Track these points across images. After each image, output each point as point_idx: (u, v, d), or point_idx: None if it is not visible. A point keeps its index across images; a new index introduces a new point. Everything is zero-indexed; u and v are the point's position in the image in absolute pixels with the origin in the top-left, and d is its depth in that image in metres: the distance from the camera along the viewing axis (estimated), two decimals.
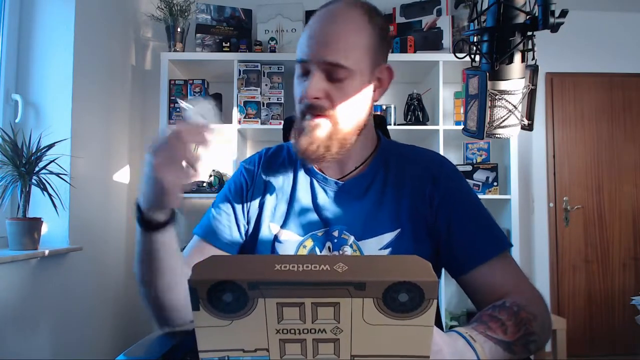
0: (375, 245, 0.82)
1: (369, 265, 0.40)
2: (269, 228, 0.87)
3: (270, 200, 0.89)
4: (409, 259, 0.41)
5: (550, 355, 2.62)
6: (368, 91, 0.82)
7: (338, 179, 0.87)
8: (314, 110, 0.78)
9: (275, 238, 0.85)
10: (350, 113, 0.80)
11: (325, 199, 0.87)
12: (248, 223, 0.89)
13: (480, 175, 2.61)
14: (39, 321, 1.77)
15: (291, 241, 0.84)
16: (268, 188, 0.90)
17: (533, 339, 0.68)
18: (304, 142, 0.79)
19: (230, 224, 0.89)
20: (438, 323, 0.97)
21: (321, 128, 0.79)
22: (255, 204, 0.89)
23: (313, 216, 0.86)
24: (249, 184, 0.92)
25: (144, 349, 0.76)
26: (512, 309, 0.69)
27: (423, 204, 0.84)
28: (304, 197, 0.88)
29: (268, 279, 0.39)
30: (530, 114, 1.14)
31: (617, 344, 2.99)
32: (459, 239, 0.81)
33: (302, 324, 0.41)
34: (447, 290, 2.58)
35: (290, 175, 0.91)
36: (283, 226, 0.86)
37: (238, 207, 0.90)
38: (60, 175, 1.75)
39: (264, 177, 0.92)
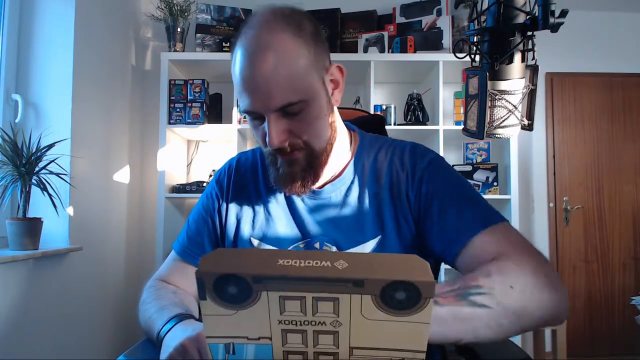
0: None
1: (369, 263, 0.42)
2: (250, 243, 0.84)
3: (247, 213, 0.86)
4: (408, 259, 0.42)
5: (550, 355, 2.62)
6: (327, 103, 0.77)
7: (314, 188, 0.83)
8: (285, 151, 0.75)
9: None
10: (319, 133, 0.76)
11: (303, 209, 0.83)
12: (224, 237, 0.88)
13: (480, 175, 2.61)
14: (39, 321, 1.77)
15: None
16: (242, 200, 0.87)
17: (475, 291, 0.61)
18: (286, 182, 0.77)
19: (203, 241, 0.88)
20: None
21: (298, 162, 0.76)
22: (230, 217, 0.87)
23: (292, 228, 0.83)
24: (220, 200, 0.89)
25: (144, 350, 0.76)
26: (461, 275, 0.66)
27: (402, 204, 0.80)
28: (280, 209, 0.84)
29: (271, 273, 0.41)
30: (530, 114, 1.15)
31: (617, 344, 2.99)
32: (438, 229, 0.76)
33: (303, 316, 0.43)
34: None
35: (265, 185, 0.87)
36: (263, 240, 0.83)
37: (210, 223, 0.89)
38: (60, 175, 1.75)
39: (237, 188, 0.89)
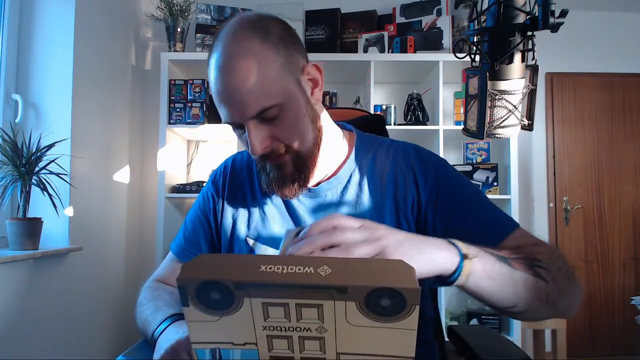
0: None
1: (353, 269, 0.41)
2: (246, 243, 0.84)
3: (242, 213, 0.86)
4: (394, 264, 0.41)
5: (550, 355, 2.62)
6: (305, 103, 0.76)
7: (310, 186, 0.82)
8: (270, 156, 0.76)
9: (252, 253, 0.82)
10: (302, 134, 0.76)
11: (298, 208, 0.83)
12: (220, 237, 0.88)
13: (480, 175, 2.61)
14: (39, 321, 1.77)
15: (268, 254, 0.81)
16: (238, 200, 0.87)
17: (539, 264, 0.65)
18: (278, 186, 0.77)
19: (200, 241, 0.89)
20: (437, 323, 0.96)
21: (286, 165, 0.76)
22: (226, 217, 0.87)
23: (289, 227, 0.82)
24: (216, 200, 0.89)
25: (143, 350, 0.76)
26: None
27: (405, 204, 0.80)
28: (275, 209, 0.84)
29: (253, 280, 0.40)
30: (530, 114, 1.15)
31: (617, 344, 2.99)
32: (462, 227, 0.76)
33: (287, 322, 0.42)
34: (447, 290, 2.58)
35: (260, 185, 0.86)
36: (258, 239, 0.83)
37: (206, 224, 0.89)
38: (60, 175, 1.75)
39: (233, 189, 0.89)
